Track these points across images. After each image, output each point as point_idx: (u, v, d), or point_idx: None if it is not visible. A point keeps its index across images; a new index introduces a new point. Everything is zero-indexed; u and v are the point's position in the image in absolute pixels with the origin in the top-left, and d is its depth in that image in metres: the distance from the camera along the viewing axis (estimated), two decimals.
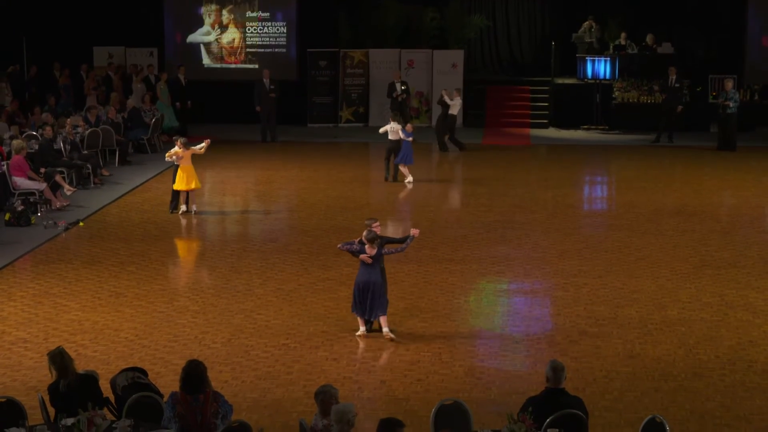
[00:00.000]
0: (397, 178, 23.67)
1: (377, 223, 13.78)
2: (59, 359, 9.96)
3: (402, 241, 13.81)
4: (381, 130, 23.93)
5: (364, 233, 13.43)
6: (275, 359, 12.87)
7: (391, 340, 13.44)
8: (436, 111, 31.83)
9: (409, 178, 23.50)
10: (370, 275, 13.44)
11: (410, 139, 23.52)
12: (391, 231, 18.84)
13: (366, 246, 13.38)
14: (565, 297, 15.33)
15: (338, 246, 13.88)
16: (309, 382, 12.03)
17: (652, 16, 32.73)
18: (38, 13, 31.39)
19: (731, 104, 27.91)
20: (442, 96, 28.15)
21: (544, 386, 9.75)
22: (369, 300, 13.43)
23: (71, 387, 9.80)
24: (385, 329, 13.55)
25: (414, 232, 13.80)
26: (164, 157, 20.76)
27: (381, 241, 13.50)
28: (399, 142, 23.40)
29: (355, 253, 13.53)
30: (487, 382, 12.25)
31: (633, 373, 12.48)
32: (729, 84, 28.32)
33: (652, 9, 32.66)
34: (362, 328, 13.63)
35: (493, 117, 31.85)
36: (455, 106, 28.11)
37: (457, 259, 17.37)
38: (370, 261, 13.37)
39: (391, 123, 23.63)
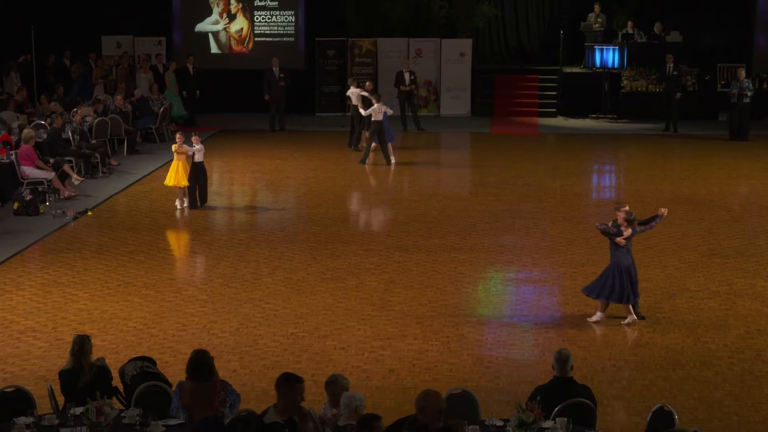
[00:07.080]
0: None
1: (626, 207, 13.82)
2: (81, 346, 9.92)
3: (648, 222, 13.98)
4: (366, 113, 24.50)
5: (622, 215, 13.56)
6: (284, 348, 12.89)
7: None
8: (445, 100, 31.90)
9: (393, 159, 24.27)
10: (625, 258, 13.58)
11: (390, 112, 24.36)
12: (405, 215, 18.79)
13: (622, 227, 13.56)
14: (574, 286, 15.31)
15: (596, 225, 13.96)
16: (317, 371, 12.03)
17: (660, 5, 32.61)
18: (47, 3, 31.39)
19: (749, 93, 27.75)
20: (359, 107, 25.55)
21: (553, 375, 9.77)
22: (630, 283, 13.62)
23: (89, 379, 9.78)
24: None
25: (662, 211, 13.98)
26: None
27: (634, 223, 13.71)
28: (381, 122, 23.97)
29: (610, 235, 13.63)
30: (495, 371, 12.25)
31: (641, 362, 12.48)
32: (743, 73, 28.12)
33: None
34: (601, 314, 13.75)
35: (502, 106, 31.78)
36: (378, 113, 24.21)
37: (466, 248, 17.35)
38: (623, 243, 13.50)
39: (377, 104, 24.10)
